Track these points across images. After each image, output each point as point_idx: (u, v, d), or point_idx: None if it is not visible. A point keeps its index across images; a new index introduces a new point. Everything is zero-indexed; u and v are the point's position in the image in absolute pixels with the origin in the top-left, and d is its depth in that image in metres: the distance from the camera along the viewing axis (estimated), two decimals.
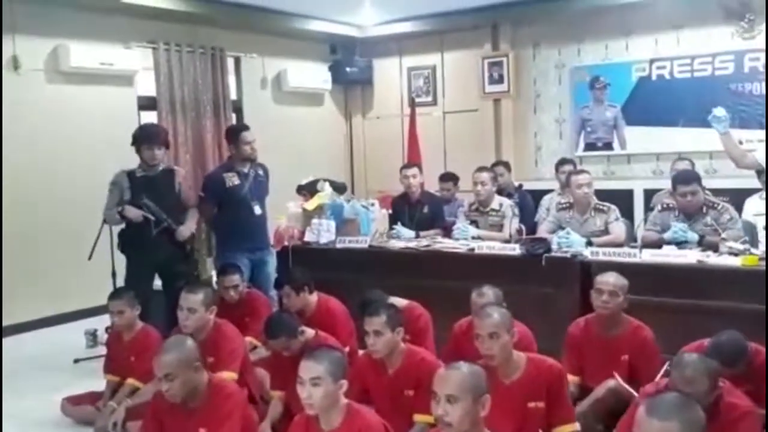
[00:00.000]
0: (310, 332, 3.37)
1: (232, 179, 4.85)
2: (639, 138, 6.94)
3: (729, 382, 2.57)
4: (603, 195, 5.00)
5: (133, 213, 4.46)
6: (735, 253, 3.88)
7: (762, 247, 4.06)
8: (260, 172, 5.01)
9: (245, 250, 4.87)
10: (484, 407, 2.13)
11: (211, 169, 6.08)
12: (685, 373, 2.40)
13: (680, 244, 4.14)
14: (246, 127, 5.04)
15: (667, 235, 4.20)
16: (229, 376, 3.27)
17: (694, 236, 4.15)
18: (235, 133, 4.96)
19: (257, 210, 4.92)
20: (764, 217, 4.25)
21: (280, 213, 5.25)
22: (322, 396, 2.32)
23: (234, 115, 7.13)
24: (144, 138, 4.54)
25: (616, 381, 3.13)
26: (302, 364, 2.38)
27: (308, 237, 5.07)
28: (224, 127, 6.16)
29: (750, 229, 4.38)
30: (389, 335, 2.99)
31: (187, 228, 4.66)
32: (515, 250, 4.40)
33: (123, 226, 4.60)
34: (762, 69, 6.30)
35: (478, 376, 2.17)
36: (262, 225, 5.02)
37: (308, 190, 5.29)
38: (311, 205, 5.13)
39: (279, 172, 5.49)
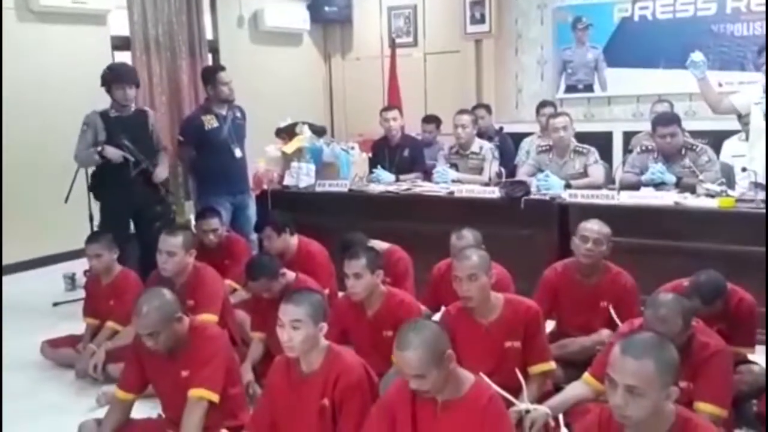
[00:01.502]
0: (290, 275, 3.37)
1: (211, 122, 4.78)
2: (620, 80, 6.90)
3: (702, 322, 2.61)
4: (583, 137, 4.98)
5: (113, 153, 4.37)
6: (712, 195, 3.91)
7: (739, 189, 4.08)
8: (238, 114, 4.95)
9: (226, 193, 4.85)
10: (450, 360, 2.09)
11: (187, 111, 5.99)
12: (659, 313, 2.42)
13: (658, 186, 4.16)
14: (222, 68, 4.96)
15: (645, 177, 4.22)
16: (209, 318, 3.28)
17: (671, 178, 4.17)
18: (211, 74, 4.87)
19: (237, 153, 4.88)
20: (741, 159, 4.27)
21: (259, 156, 5.21)
22: (303, 339, 2.33)
23: (210, 56, 6.98)
24: (114, 77, 4.42)
25: (608, 333, 3.14)
26: (282, 307, 2.37)
27: (287, 181, 5.05)
28: (200, 68, 6.03)
29: (727, 171, 4.41)
30: (369, 278, 3.00)
31: (163, 169, 4.60)
32: (495, 193, 4.41)
33: (95, 168, 4.51)
34: (744, 9, 6.22)
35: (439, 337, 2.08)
36: (242, 168, 4.99)
37: (287, 133, 5.24)
38: (290, 148, 5.09)
39: (257, 114, 5.42)
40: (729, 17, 6.33)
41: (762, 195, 3.77)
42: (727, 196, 3.87)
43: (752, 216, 3.70)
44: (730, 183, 4.22)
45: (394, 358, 2.84)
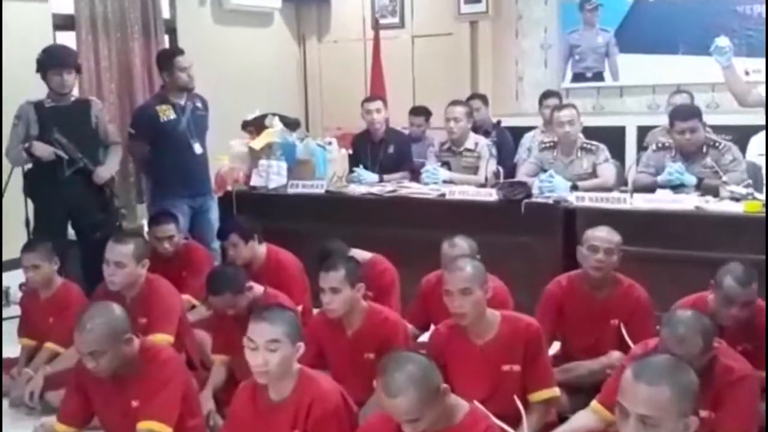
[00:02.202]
0: (258, 288, 3.38)
1: (167, 113, 4.76)
2: (633, 67, 6.94)
3: (725, 342, 2.63)
4: (592, 132, 5.01)
5: (42, 150, 4.33)
6: (737, 198, 3.96)
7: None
8: (198, 104, 4.93)
9: (185, 195, 4.84)
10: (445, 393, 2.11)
11: (140, 100, 5.94)
12: (676, 332, 2.44)
13: (676, 188, 4.20)
14: (180, 51, 4.94)
15: (661, 178, 4.26)
16: (163, 339, 3.27)
17: (691, 179, 4.21)
18: (167, 58, 4.85)
19: (197, 149, 4.87)
20: None
21: (222, 153, 5.19)
22: (279, 362, 2.34)
23: (167, 37, 6.92)
24: (50, 62, 4.38)
25: (619, 356, 3.17)
26: (254, 326, 2.38)
27: (255, 181, 5.04)
28: (155, 51, 5.99)
29: (754, 172, 4.45)
30: (348, 292, 3.01)
31: (107, 169, 4.56)
32: (492, 195, 4.43)
33: (30, 166, 4.48)
34: None
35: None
36: (203, 166, 4.98)
37: (255, 126, 5.23)
38: (258, 143, 5.08)
39: (220, 105, 5.39)
40: None
41: None
42: (754, 199, 3.91)
43: None
44: (758, 185, 4.26)
45: (376, 385, 2.86)
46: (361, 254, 3.78)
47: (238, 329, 2.57)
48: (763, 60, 6.04)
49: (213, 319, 3.54)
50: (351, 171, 5.24)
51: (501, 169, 5.29)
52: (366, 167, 5.26)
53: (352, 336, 3.09)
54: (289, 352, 2.36)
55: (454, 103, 5.15)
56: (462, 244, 3.45)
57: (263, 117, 5.23)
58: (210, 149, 5.02)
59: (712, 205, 3.99)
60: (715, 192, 4.09)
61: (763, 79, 4.21)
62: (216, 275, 3.37)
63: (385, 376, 2.05)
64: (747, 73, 5.85)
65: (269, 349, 2.33)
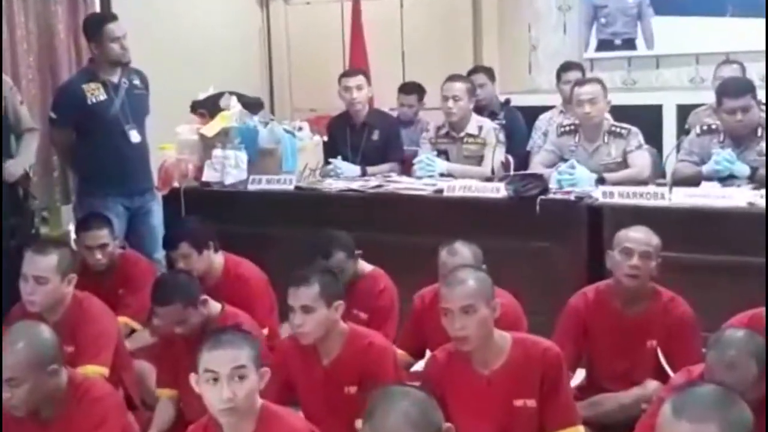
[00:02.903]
0: (213, 306, 3.38)
1: (96, 93, 4.75)
2: (672, 33, 6.98)
3: None
4: (622, 113, 5.04)
5: None
6: None
7: None
8: (136, 81, 4.92)
9: (119, 194, 4.83)
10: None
11: (65, 77, 5.91)
12: (725, 355, 2.46)
13: (725, 180, 4.24)
14: (113, 17, 4.92)
15: (707, 168, 4.29)
16: (96, 371, 3.28)
17: (744, 169, 4.24)
18: (95, 26, 4.84)
19: (134, 137, 4.86)
20: None
21: (167, 141, 5.19)
22: (247, 393, 2.36)
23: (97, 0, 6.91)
24: None
25: (656, 386, 3.19)
26: (212, 353, 2.39)
27: (208, 175, 5.04)
28: (84, 17, 5.96)
29: None
30: (323, 312, 3.01)
31: (19, 163, 4.56)
32: (500, 191, 4.44)
33: None
34: None
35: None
36: (141, 158, 4.97)
37: (208, 108, 5.22)
38: (212, 129, 5.07)
39: (164, 82, 5.37)
40: None
41: None
42: None
43: None
44: None
45: (360, 428, 2.85)
46: (359, 265, 3.81)
47: (187, 357, 2.56)
48: None
49: (158, 345, 3.55)
50: (327, 162, 5.25)
51: (511, 159, 5.31)
52: (345, 158, 5.27)
53: (329, 365, 3.08)
54: (255, 382, 2.39)
55: (453, 78, 5.15)
56: (464, 251, 3.46)
57: (218, 97, 5.23)
58: (151, 137, 5.02)
59: None
60: None
61: None
62: (164, 281, 3.39)
63: (373, 419, 2.03)
64: None
65: (236, 377, 2.34)
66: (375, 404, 2.06)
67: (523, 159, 5.48)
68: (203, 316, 3.28)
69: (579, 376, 3.48)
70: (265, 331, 3.66)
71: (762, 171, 4.23)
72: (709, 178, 4.26)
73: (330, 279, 3.10)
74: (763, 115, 4.39)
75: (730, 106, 4.29)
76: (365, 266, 3.88)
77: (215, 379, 2.35)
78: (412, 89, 6.14)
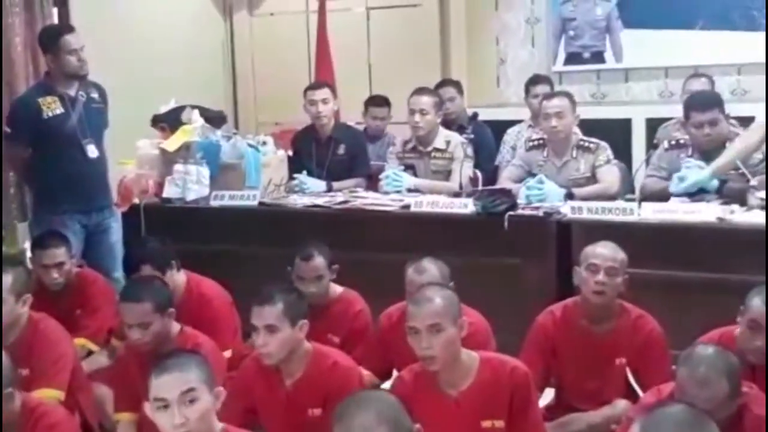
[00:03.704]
0: (175, 325, 3.36)
1: (52, 106, 4.71)
2: (641, 46, 7.04)
3: (756, 387, 2.67)
4: (591, 127, 5.08)
5: None
6: None
7: None
8: (94, 95, 4.89)
9: (77, 211, 4.79)
10: None
11: (22, 90, 5.86)
12: (696, 372, 2.47)
13: (694, 194, 4.27)
14: (69, 29, 4.90)
15: (677, 178, 4.31)
16: (52, 395, 3.25)
17: (713, 183, 4.27)
18: (52, 38, 4.80)
19: (92, 152, 4.82)
20: None
21: (127, 156, 5.17)
22: (200, 416, 2.35)
23: (56, 11, 6.86)
24: None
25: (625, 404, 3.20)
26: (159, 381, 2.38)
27: (168, 191, 5.01)
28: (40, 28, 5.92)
29: None
30: (288, 332, 3.00)
31: None
32: (467, 206, 4.46)
33: None
34: None
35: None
36: (100, 174, 4.93)
37: (169, 121, 5.21)
38: (173, 144, 5.06)
39: (124, 95, 5.37)
40: None
41: None
42: None
43: None
44: None
45: None
46: (331, 288, 3.82)
47: (143, 380, 2.54)
48: None
49: (117, 366, 3.51)
50: (292, 178, 5.24)
51: (479, 174, 5.32)
52: (311, 173, 5.26)
53: (292, 387, 3.07)
54: (209, 403, 2.38)
55: (420, 91, 5.17)
56: (431, 269, 3.45)
57: (179, 110, 5.22)
58: (110, 152, 4.99)
59: (738, 215, 4.05)
60: (741, 199, 4.16)
61: None
62: (138, 280, 3.44)
63: (342, 420, 2.05)
64: None
65: (186, 401, 2.33)
66: (344, 408, 2.09)
67: (491, 174, 5.51)
68: (165, 329, 3.26)
69: (548, 395, 3.48)
70: (228, 352, 3.64)
71: (732, 185, 4.27)
72: (678, 194, 4.30)
73: (294, 298, 3.09)
74: (732, 129, 4.44)
75: (698, 120, 4.33)
76: (336, 288, 3.87)
77: (165, 406, 2.35)
78: (382, 101, 6.16)
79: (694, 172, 4.24)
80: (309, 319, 3.08)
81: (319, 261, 3.75)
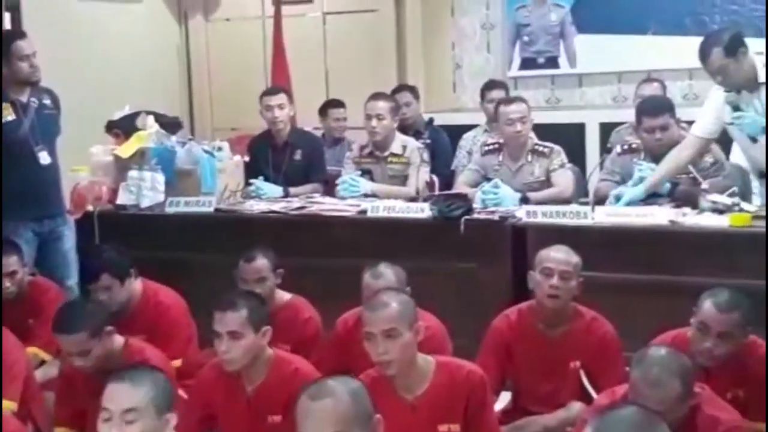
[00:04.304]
0: (118, 339, 3.31)
1: (4, 113, 4.65)
2: (594, 51, 7.11)
3: (709, 388, 2.70)
4: (545, 131, 5.13)
5: None
6: (720, 210, 4.07)
7: (757, 200, 4.28)
8: (47, 101, 4.84)
9: (29, 218, 4.74)
10: None
11: None
12: (649, 374, 2.49)
13: (646, 198, 4.31)
14: (21, 34, 4.85)
15: (629, 186, 4.36)
16: (4, 405, 3.21)
17: (665, 186, 4.34)
18: (3, 43, 4.72)
19: (44, 158, 4.77)
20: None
21: (80, 163, 5.12)
22: None
23: (8, 16, 6.78)
24: None
25: (579, 407, 3.23)
26: (110, 389, 2.36)
27: (123, 198, 4.98)
28: None
29: (741, 177, 4.60)
30: (251, 338, 3.00)
31: None
32: (424, 211, 4.46)
33: None
34: None
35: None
36: (52, 181, 4.88)
37: (123, 127, 5.18)
38: (127, 150, 5.02)
39: (77, 101, 5.32)
40: None
41: None
42: (741, 211, 4.03)
43: None
44: (746, 193, 4.41)
45: None
46: (278, 294, 3.79)
47: (88, 395, 2.51)
48: (754, 39, 6.24)
49: (60, 381, 3.47)
50: (248, 183, 5.21)
51: (435, 179, 5.34)
52: (267, 178, 5.24)
53: (253, 393, 3.06)
54: (151, 427, 2.34)
55: (377, 96, 5.18)
56: (388, 273, 3.46)
57: (134, 116, 5.19)
58: (63, 158, 4.93)
59: (690, 218, 4.10)
60: (693, 202, 4.21)
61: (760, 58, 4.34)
62: (69, 309, 3.33)
63: (310, 385, 2.19)
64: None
65: (126, 420, 2.31)
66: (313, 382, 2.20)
67: (447, 178, 5.52)
68: (107, 349, 3.21)
69: (504, 399, 3.50)
70: (179, 362, 3.60)
71: (683, 188, 4.33)
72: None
73: (257, 303, 3.10)
74: (683, 133, 4.50)
75: (649, 125, 4.39)
76: (284, 295, 3.85)
77: (109, 419, 2.33)
78: (336, 103, 6.17)
79: (632, 189, 4.31)
80: None
81: (261, 263, 3.74)
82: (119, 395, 2.32)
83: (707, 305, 2.94)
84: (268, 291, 3.70)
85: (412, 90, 6.31)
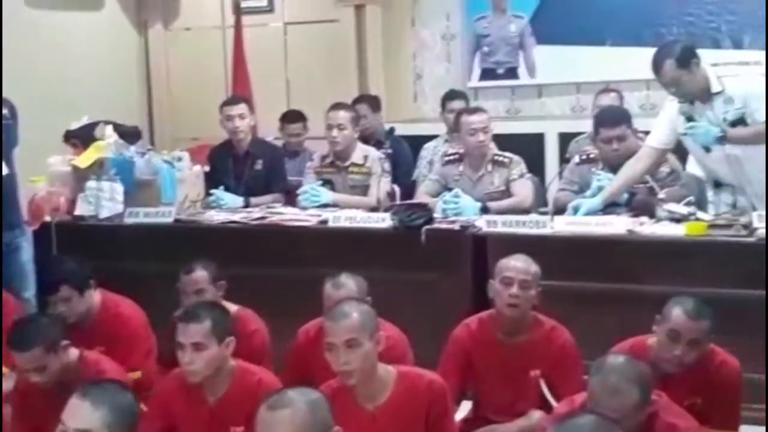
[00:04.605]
0: (72, 352, 3.27)
1: None
2: (553, 62, 7.16)
3: (666, 395, 2.73)
4: (505, 141, 5.16)
5: None
6: (677, 219, 4.13)
7: (712, 210, 4.35)
8: (4, 111, 4.76)
9: None
10: None
11: None
12: (608, 381, 2.51)
13: (605, 208, 4.36)
14: None
15: (588, 195, 4.41)
16: None
17: (623, 196, 4.40)
18: None
19: (2, 169, 4.69)
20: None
21: (38, 173, 5.07)
22: None
23: None
24: None
25: (539, 415, 3.25)
26: (70, 405, 2.34)
27: (81, 209, 4.94)
28: None
29: (697, 186, 4.66)
30: (215, 350, 2.98)
31: None
32: (385, 221, 4.48)
33: None
34: None
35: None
36: (10, 191, 4.78)
37: (81, 137, 5.14)
38: (85, 160, 4.99)
39: (35, 111, 5.27)
40: None
41: (745, 219, 4.02)
42: (698, 219, 4.10)
43: (732, 247, 3.94)
44: (702, 202, 4.48)
45: None
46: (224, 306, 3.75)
47: (45, 409, 2.49)
48: (711, 50, 6.35)
49: (15, 394, 3.41)
50: (208, 194, 5.20)
51: (397, 189, 5.35)
52: (228, 188, 5.22)
53: (215, 404, 3.04)
54: None
55: (337, 106, 5.19)
56: (349, 283, 3.46)
57: (92, 126, 5.15)
58: (21, 169, 4.85)
59: (647, 227, 4.15)
60: (650, 212, 4.26)
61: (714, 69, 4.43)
62: (24, 324, 3.28)
63: (268, 396, 2.18)
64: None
65: None
66: (272, 392, 2.20)
67: (409, 188, 5.54)
68: (63, 363, 3.18)
69: (465, 408, 3.51)
70: (138, 374, 3.58)
71: (640, 197, 4.39)
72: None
73: (221, 315, 3.09)
74: (640, 143, 4.56)
75: (607, 135, 4.45)
76: (230, 306, 3.76)
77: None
78: (295, 117, 6.17)
79: (590, 200, 4.36)
80: None
81: (200, 274, 3.73)
82: (76, 413, 2.30)
83: (677, 313, 2.97)
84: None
85: (370, 101, 6.31)
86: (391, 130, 6.33)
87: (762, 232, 3.88)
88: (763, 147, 4.23)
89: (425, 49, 7.61)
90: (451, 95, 6.11)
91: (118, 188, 4.91)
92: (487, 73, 7.39)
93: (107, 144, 5.02)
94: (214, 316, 3.03)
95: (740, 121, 4.20)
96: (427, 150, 5.93)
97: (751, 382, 3.23)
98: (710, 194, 4.56)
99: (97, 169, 4.96)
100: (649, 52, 4.47)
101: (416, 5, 7.59)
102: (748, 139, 4.20)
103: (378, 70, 7.60)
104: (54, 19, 7.36)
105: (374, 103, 6.30)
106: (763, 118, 4.15)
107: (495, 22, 7.33)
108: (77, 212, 4.95)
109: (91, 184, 4.92)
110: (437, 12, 7.53)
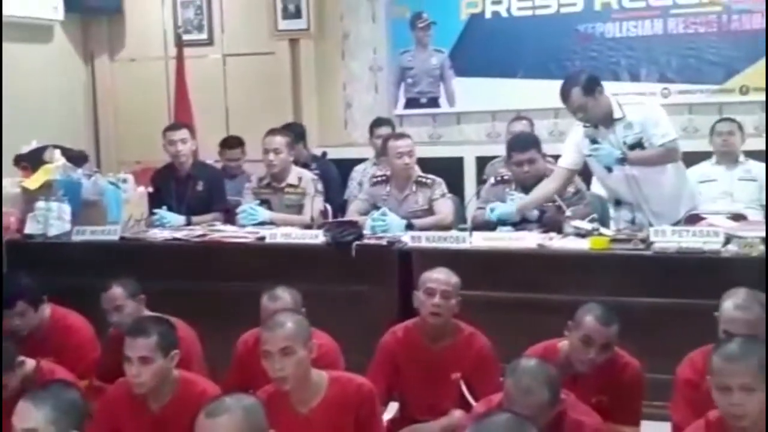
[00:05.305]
0: (29, 363, 3.22)
1: None
2: (471, 92, 7.24)
3: (574, 395, 2.78)
4: (428, 164, 5.22)
5: None
6: (582, 234, 4.22)
7: (613, 225, 4.45)
8: None
9: None
10: None
11: None
12: (521, 382, 2.55)
13: (518, 224, 4.46)
14: None
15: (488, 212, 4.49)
16: None
17: (533, 212, 4.49)
18: None
19: None
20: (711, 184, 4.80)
21: None
22: None
23: None
24: None
25: (460, 414, 3.28)
26: (18, 406, 2.33)
27: (30, 228, 4.85)
28: None
29: (600, 204, 4.77)
30: (160, 363, 2.95)
31: None
32: (318, 237, 4.48)
33: None
34: (616, 6, 6.80)
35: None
36: None
37: (31, 161, 5.09)
38: (35, 182, 4.91)
39: None
40: (598, 15, 6.87)
41: (643, 234, 4.11)
42: (600, 235, 4.18)
43: (631, 260, 4.04)
44: (604, 219, 4.58)
45: None
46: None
47: (7, 420, 2.43)
48: (611, 82, 6.49)
49: None
50: (152, 213, 5.14)
51: (329, 208, 5.36)
52: (170, 208, 5.17)
53: (159, 412, 3.00)
54: None
55: (273, 132, 5.19)
56: (284, 296, 3.46)
57: (41, 150, 5.10)
58: None
59: (555, 242, 4.23)
60: (558, 228, 4.34)
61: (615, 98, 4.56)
62: None
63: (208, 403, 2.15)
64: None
65: None
66: (212, 400, 2.20)
67: (338, 207, 5.55)
68: (19, 377, 3.13)
69: (392, 409, 3.52)
70: (85, 382, 3.51)
71: (549, 215, 4.47)
72: (503, 223, 4.46)
73: (166, 328, 3.05)
74: (549, 165, 4.65)
75: (518, 159, 4.54)
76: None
77: None
78: (234, 143, 6.14)
79: (505, 205, 4.47)
80: None
81: (116, 291, 3.68)
82: (22, 414, 2.29)
83: (589, 320, 3.02)
84: (127, 318, 3.57)
85: (295, 128, 6.18)
86: (324, 153, 6.34)
87: (658, 245, 3.98)
88: (659, 168, 4.37)
89: (355, 80, 7.64)
90: (378, 122, 6.14)
91: (66, 208, 4.84)
92: (411, 102, 7.44)
93: (55, 167, 4.96)
94: (161, 330, 2.99)
95: (638, 145, 4.32)
96: (357, 172, 5.95)
97: (650, 382, 3.30)
98: (612, 212, 4.68)
99: (46, 190, 4.88)
100: (557, 84, 4.58)
101: (346, 40, 7.61)
102: (645, 161, 4.32)
103: (311, 99, 7.61)
104: (6, 50, 7.23)
105: (299, 130, 6.22)
106: (659, 143, 4.29)
107: (418, 56, 7.40)
108: (26, 231, 4.86)
109: (40, 204, 4.84)
110: (365, 46, 7.56)
